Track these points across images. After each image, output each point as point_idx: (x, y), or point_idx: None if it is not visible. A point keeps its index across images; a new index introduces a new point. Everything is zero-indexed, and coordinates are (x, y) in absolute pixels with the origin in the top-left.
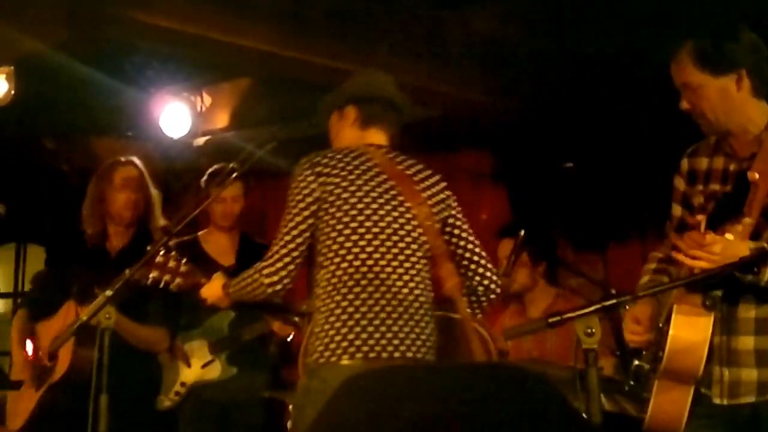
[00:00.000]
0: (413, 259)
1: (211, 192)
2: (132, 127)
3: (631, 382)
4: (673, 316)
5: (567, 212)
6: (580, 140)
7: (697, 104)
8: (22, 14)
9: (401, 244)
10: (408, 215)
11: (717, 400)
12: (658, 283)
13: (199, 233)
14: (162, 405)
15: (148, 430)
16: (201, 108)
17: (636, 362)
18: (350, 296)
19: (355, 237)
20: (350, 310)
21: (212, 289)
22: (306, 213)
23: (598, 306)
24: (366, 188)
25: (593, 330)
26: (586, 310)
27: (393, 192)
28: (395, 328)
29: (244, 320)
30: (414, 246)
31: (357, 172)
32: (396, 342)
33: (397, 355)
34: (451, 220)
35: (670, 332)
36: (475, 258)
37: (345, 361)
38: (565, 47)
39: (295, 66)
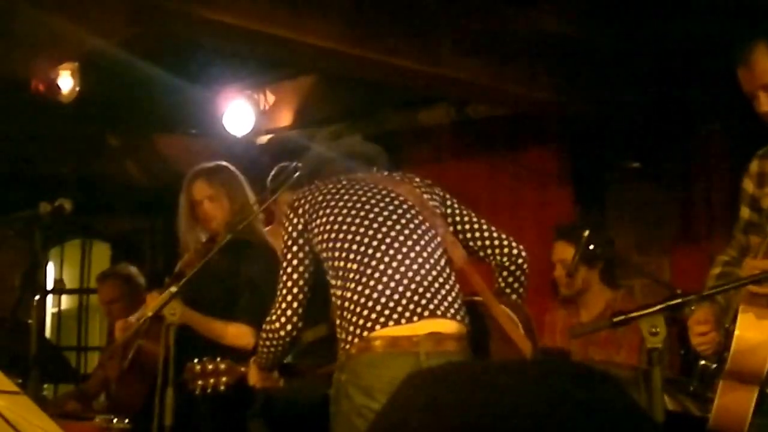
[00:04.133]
0: (415, 235)
1: (272, 191)
2: (196, 124)
3: (696, 383)
4: (739, 316)
5: (633, 212)
6: (647, 138)
7: None
8: (86, 11)
9: (403, 220)
10: (396, 199)
11: None
12: (724, 282)
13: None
14: None
15: (217, 427)
16: (264, 106)
17: (702, 362)
18: (352, 283)
19: (342, 233)
20: (359, 289)
21: (252, 374)
22: (295, 249)
23: (663, 305)
24: (344, 192)
25: (658, 329)
26: (651, 309)
27: (375, 187)
28: (408, 293)
29: (306, 323)
30: (414, 221)
31: (332, 189)
32: (411, 306)
33: (426, 314)
34: (449, 210)
35: (736, 332)
36: (486, 234)
37: (376, 343)
38: (631, 44)
39: (358, 63)
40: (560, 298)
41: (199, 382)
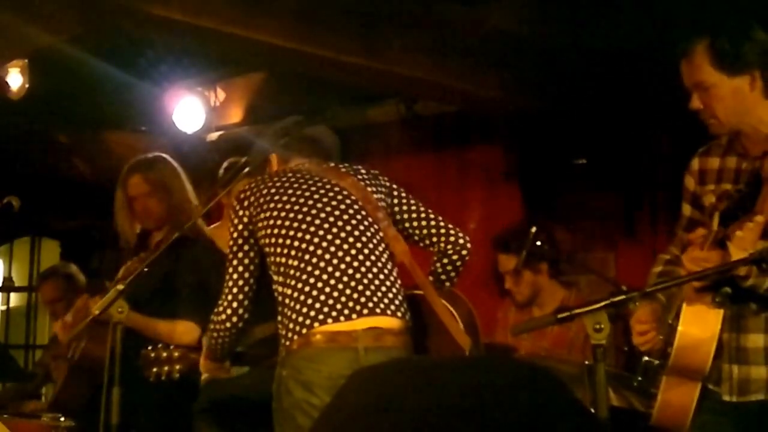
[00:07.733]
0: (356, 231)
1: (223, 186)
2: (145, 121)
3: (640, 378)
4: (683, 312)
5: (579, 209)
6: (594, 136)
7: (708, 104)
8: (35, 8)
9: (345, 216)
10: (340, 194)
11: (726, 397)
12: (667, 279)
13: (211, 227)
14: None
15: (163, 422)
16: (214, 103)
17: (645, 358)
18: (293, 279)
19: (284, 229)
20: (299, 286)
21: (204, 364)
22: (241, 242)
23: (607, 302)
24: (288, 186)
25: (602, 326)
26: (595, 306)
27: (319, 181)
28: (348, 291)
29: (257, 318)
30: (356, 217)
31: (277, 183)
32: (351, 304)
33: (365, 312)
34: (395, 201)
35: (679, 328)
36: (432, 222)
37: (315, 338)
38: (579, 42)
39: (308, 61)
40: (517, 305)
41: (154, 369)
